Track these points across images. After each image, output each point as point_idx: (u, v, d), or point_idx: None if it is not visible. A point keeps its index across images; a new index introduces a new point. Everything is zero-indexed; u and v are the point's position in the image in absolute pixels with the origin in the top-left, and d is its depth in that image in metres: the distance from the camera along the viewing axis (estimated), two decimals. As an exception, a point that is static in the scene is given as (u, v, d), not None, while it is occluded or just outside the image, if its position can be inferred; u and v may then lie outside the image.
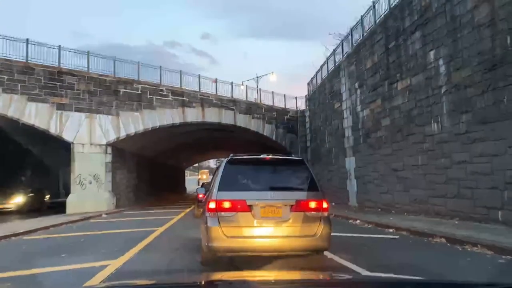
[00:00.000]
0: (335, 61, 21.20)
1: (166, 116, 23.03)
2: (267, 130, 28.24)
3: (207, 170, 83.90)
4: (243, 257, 5.64)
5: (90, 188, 20.07)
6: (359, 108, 17.54)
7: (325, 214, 5.66)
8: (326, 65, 22.73)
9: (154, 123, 22.53)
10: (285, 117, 29.61)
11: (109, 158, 21.16)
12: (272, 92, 29.47)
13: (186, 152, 39.65)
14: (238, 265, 5.78)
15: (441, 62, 11.53)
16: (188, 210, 21.78)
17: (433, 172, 12.03)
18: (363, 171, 17.29)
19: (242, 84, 29.14)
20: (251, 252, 5.48)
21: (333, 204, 21.18)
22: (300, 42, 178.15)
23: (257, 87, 29.54)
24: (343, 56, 19.89)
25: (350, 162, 18.82)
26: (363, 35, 17.38)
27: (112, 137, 20.99)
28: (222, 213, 5.32)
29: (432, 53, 11.96)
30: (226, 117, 25.93)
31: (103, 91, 20.82)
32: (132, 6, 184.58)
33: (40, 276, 5.80)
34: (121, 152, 23.92)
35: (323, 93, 23.03)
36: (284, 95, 30.19)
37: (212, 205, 5.40)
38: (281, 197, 5.51)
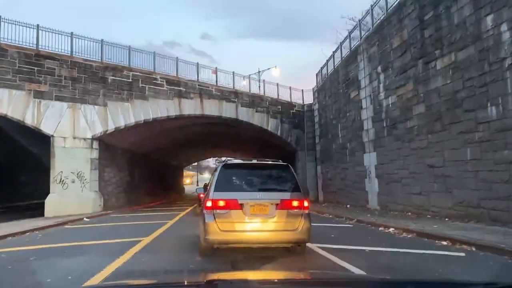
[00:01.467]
0: (350, 46, 18.63)
1: (161, 108, 20.44)
2: (271, 125, 25.66)
3: (193, 173, 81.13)
4: (242, 257, 6.37)
5: (73, 187, 17.45)
6: (382, 95, 14.96)
7: (306, 211, 6.27)
8: (339, 50, 20.16)
9: (147, 115, 19.93)
10: (291, 111, 27.04)
11: (95, 153, 18.56)
12: (277, 84, 26.89)
13: (184, 150, 37.02)
14: (233, 258, 6.37)
15: (504, 27, 8.96)
16: (185, 212, 19.23)
17: (490, 168, 9.46)
18: (387, 168, 14.71)
19: (244, 79, 26.50)
20: (242, 244, 6.23)
21: (347, 206, 18.64)
22: (300, 42, 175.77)
23: (259, 81, 27.01)
24: (361, 38, 17.32)
25: (370, 159, 16.25)
26: (387, 10, 14.81)
27: (98, 130, 18.37)
28: (217, 210, 6.01)
29: (489, 18, 9.39)
30: (227, 110, 23.35)
31: (89, 78, 18.20)
32: (132, 5, 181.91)
33: None
34: (110, 147, 21.32)
35: (335, 82, 20.45)
36: (290, 87, 27.63)
37: (209, 203, 6.10)
38: (268, 197, 6.17)
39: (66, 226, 12.68)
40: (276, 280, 2.55)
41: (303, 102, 27.91)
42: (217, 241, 6.16)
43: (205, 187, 8.65)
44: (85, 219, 14.97)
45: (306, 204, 6.30)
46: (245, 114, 24.24)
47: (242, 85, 25.11)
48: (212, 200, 6.10)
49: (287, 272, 4.48)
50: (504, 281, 2.37)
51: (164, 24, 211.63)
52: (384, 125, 14.86)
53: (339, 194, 20.02)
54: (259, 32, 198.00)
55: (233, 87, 24.07)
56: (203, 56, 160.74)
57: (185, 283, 2.37)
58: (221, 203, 6.07)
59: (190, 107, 21.64)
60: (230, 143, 35.83)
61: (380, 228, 10.99)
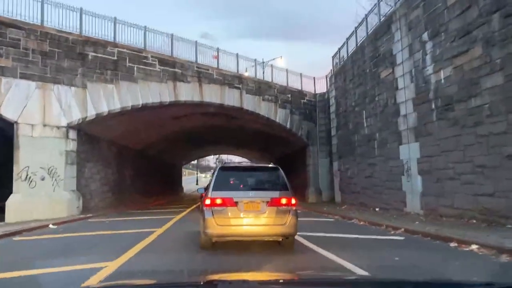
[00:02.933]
0: (380, 16, 15.29)
1: (152, 92, 17.08)
2: (280, 115, 22.33)
3: (193, 172, 77.65)
4: (240, 255, 6.68)
5: (43, 186, 14.09)
6: (430, 69, 11.62)
7: (294, 208, 6.82)
8: (364, 24, 16.79)
9: (136, 100, 16.58)
10: (302, 101, 23.72)
11: (72, 145, 15.21)
12: (286, 70, 23.55)
13: (181, 146, 33.63)
14: (230, 252, 6.83)
15: None
16: (181, 215, 15.91)
17: None
18: (438, 162, 11.36)
19: (246, 71, 23.02)
20: (237, 237, 6.83)
21: (376, 209, 15.29)
22: (301, 42, 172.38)
23: (264, 65, 23.64)
24: (395, 4, 13.98)
25: (410, 151, 12.92)
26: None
27: (76, 116, 15.01)
28: (215, 207, 6.60)
29: None
30: (230, 97, 20.01)
31: (64, 54, 14.84)
32: (132, 4, 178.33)
33: None
34: (94, 139, 17.98)
35: (359, 61, 17.10)
36: (301, 74, 24.31)
37: (207, 201, 6.68)
38: (259, 195, 6.78)
39: (15, 238, 9.25)
40: (275, 280, 2.59)
41: (314, 91, 24.62)
42: (215, 234, 6.66)
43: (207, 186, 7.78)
44: (50, 226, 11.61)
45: (293, 201, 6.81)
46: (250, 103, 20.91)
47: (246, 73, 21.73)
48: (211, 198, 6.61)
49: (287, 273, 4.33)
50: (508, 281, 2.46)
51: (164, 23, 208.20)
52: (433, 107, 11.51)
53: (364, 194, 16.67)
54: (258, 32, 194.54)
55: (237, 70, 20.73)
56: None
57: (185, 283, 2.33)
58: (218, 201, 6.58)
59: (187, 92, 18.30)
60: (232, 139, 32.44)
61: (452, 244, 7.64)
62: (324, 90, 24.58)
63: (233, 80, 20.21)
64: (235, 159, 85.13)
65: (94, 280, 4.79)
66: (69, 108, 14.81)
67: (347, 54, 18.86)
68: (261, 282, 2.35)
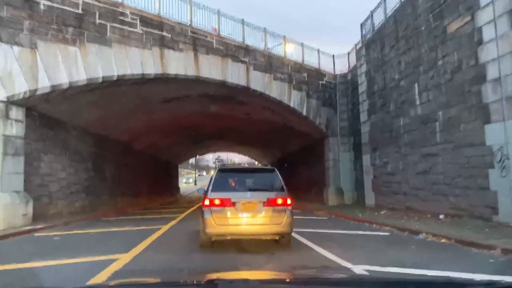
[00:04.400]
0: None
1: (131, 60, 12.67)
2: (294, 99, 17.95)
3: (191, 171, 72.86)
4: (239, 253, 6.70)
5: (-33, 185, 9.70)
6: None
7: (289, 208, 6.84)
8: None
9: (109, 70, 12.16)
10: (320, 82, 19.36)
11: (16, 129, 10.78)
12: (302, 44, 19.17)
13: (176, 140, 29.16)
14: (229, 250, 6.89)
15: None
16: (172, 224, 11.65)
17: None
18: None
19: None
20: (235, 236, 6.86)
21: (440, 217, 10.93)
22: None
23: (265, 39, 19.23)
24: None
25: (506, 132, 8.56)
26: None
27: (21, 88, 10.56)
28: (214, 207, 6.66)
29: None
30: (234, 74, 15.62)
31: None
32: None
33: None
34: (55, 124, 13.58)
35: (408, 19, 12.70)
36: (318, 50, 19.95)
37: (206, 202, 6.74)
38: (256, 196, 6.83)
39: None
40: (276, 280, 2.54)
41: (334, 72, 20.28)
42: (214, 234, 6.73)
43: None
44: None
45: (289, 201, 6.86)
46: (259, 81, 16.52)
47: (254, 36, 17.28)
48: (210, 199, 6.73)
49: (287, 272, 3.99)
50: (505, 280, 2.28)
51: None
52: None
53: (415, 196, 12.32)
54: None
55: (243, 40, 16.33)
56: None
57: (185, 283, 2.27)
58: (217, 202, 6.69)
59: (178, 63, 13.91)
60: (236, 133, 27.97)
61: None
62: (346, 70, 20.27)
63: (238, 52, 15.82)
64: (235, 159, 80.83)
65: None
66: (10, 76, 10.37)
67: (385, 15, 14.48)
68: (262, 281, 2.33)
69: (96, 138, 17.25)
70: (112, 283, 2.81)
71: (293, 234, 7.32)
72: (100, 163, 17.74)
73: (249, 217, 6.70)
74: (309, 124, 19.29)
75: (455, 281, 2.79)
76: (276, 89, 17.14)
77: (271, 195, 6.86)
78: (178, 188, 41.59)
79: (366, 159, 16.18)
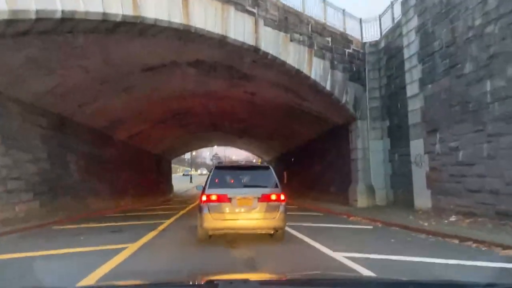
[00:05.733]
0: None
1: (85, -9, 8.29)
2: (316, 69, 13.60)
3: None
4: (240, 253, 6.26)
5: None
6: None
7: (283, 203, 7.02)
8: None
9: (47, 2, 7.79)
10: (346, 50, 14.99)
11: None
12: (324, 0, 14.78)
13: (167, 130, 24.70)
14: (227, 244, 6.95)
15: None
16: (151, 235, 7.43)
17: None
18: None
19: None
20: (231, 230, 7.09)
21: None
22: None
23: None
24: None
25: None
26: None
27: None
28: (211, 203, 6.83)
29: None
30: (239, 29, 11.22)
31: None
32: None
33: None
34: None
35: None
36: (343, 10, 15.57)
37: (204, 198, 6.91)
38: (251, 192, 6.99)
39: None
40: (276, 280, 2.52)
41: (361, 40, 15.92)
42: (211, 228, 6.91)
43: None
44: None
45: (282, 197, 7.03)
46: (272, 41, 12.14)
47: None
48: (207, 195, 6.88)
49: (288, 273, 4.01)
50: (505, 282, 2.27)
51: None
52: None
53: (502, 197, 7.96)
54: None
55: (250, -17, 11.93)
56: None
57: (185, 283, 2.23)
58: (214, 197, 6.85)
59: (158, 5, 9.50)
60: (236, 121, 23.56)
61: None
62: (376, 38, 15.92)
63: (244, -1, 11.44)
64: (233, 156, 76.49)
65: None
66: None
67: None
68: (261, 282, 2.30)
69: (54, 119, 12.84)
70: (114, 283, 2.87)
71: (348, 262, 5.34)
72: (61, 154, 13.34)
73: (244, 212, 6.88)
74: (332, 104, 14.94)
75: (455, 282, 2.60)
76: (293, 54, 12.77)
77: (266, 191, 7.04)
78: (171, 186, 37.13)
79: (417, 145, 11.82)
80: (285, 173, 29.23)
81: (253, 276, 2.82)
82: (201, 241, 7.16)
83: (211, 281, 2.12)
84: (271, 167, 7.82)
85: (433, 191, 11.13)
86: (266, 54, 11.96)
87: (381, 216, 11.10)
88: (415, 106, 11.93)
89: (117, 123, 17.74)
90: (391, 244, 7.25)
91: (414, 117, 12.00)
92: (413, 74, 12.03)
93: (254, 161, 49.45)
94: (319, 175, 20.17)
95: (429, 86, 11.14)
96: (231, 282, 2.16)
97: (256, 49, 11.69)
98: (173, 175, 41.99)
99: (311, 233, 8.29)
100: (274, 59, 12.23)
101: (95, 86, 12.73)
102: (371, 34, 16.09)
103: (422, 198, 11.57)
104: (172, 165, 41.98)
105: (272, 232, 7.29)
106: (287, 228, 7.73)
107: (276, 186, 7.24)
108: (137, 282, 2.55)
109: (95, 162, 16.46)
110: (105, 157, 17.79)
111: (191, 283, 2.19)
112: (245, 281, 2.12)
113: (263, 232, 7.35)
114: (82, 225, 10.27)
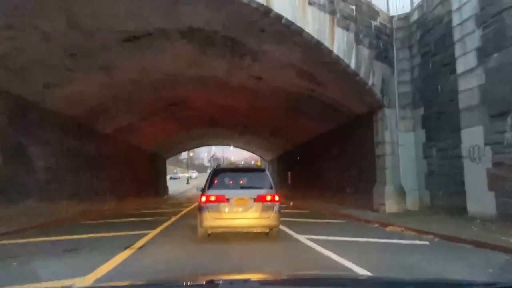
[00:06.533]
0: None
1: None
2: (339, 41, 10.92)
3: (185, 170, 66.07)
4: (238, 252, 6.39)
5: None
6: None
7: (277, 204, 7.40)
8: None
9: None
10: (373, 23, 12.35)
11: None
12: (347, -40, 12.10)
13: (160, 123, 21.89)
14: (225, 242, 7.19)
15: None
16: (121, 258, 4.60)
17: None
18: None
19: None
20: (229, 228, 7.48)
21: None
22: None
23: None
24: None
25: None
26: None
27: None
28: (210, 203, 7.19)
29: None
30: (245, -18, 8.56)
31: None
32: None
33: None
34: None
35: None
36: (369, -25, 12.90)
37: (203, 198, 7.29)
38: (248, 193, 7.35)
39: None
40: (276, 280, 2.51)
41: (388, 12, 13.29)
42: (210, 227, 7.28)
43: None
44: None
45: (276, 198, 7.40)
46: (286, 6, 9.46)
47: None
48: (206, 196, 7.25)
49: (288, 272, 3.91)
50: (505, 281, 2.21)
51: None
52: None
53: None
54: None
55: None
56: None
57: (186, 283, 2.23)
58: (213, 198, 7.21)
59: None
60: (238, 115, 20.78)
61: None
62: (405, 11, 13.29)
63: None
64: (231, 157, 73.74)
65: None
66: None
67: None
68: (262, 282, 2.29)
69: (9, 102, 10.10)
70: (114, 283, 2.83)
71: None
72: (19, 146, 10.58)
73: (241, 211, 7.23)
74: (354, 88, 12.29)
75: (455, 281, 2.63)
76: (312, 21, 10.08)
77: (261, 192, 7.35)
78: (166, 188, 34.31)
79: (473, 135, 9.14)
80: (289, 174, 26.54)
81: (253, 276, 2.72)
82: (201, 241, 7.39)
83: (212, 281, 2.06)
84: (266, 170, 8.39)
85: (497, 193, 8.45)
86: (279, 17, 9.26)
87: (430, 227, 8.40)
88: (469, 84, 9.24)
89: (98, 112, 14.99)
90: (493, 275, 4.56)
91: (467, 99, 9.31)
92: (466, 44, 9.34)
93: (252, 162, 47.31)
94: (332, 174, 17.49)
95: (494, 56, 8.46)
96: (231, 282, 2.17)
97: (267, 10, 8.99)
98: (168, 176, 39.17)
99: (346, 252, 5.71)
100: (289, 24, 9.53)
101: (62, 59, 10.00)
102: (398, 7, 13.49)
103: (481, 203, 8.87)
104: (168, 166, 39.14)
105: (268, 230, 7.61)
106: (310, 243, 7.03)
107: (271, 188, 7.56)
108: (137, 282, 2.64)
109: (71, 158, 13.73)
110: (85, 152, 15.06)
111: (191, 283, 2.21)
112: (246, 281, 2.17)
113: (259, 230, 7.62)
114: (31, 239, 7.53)
